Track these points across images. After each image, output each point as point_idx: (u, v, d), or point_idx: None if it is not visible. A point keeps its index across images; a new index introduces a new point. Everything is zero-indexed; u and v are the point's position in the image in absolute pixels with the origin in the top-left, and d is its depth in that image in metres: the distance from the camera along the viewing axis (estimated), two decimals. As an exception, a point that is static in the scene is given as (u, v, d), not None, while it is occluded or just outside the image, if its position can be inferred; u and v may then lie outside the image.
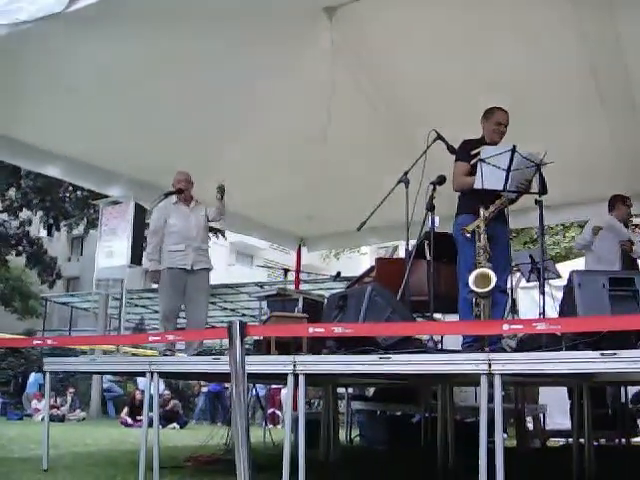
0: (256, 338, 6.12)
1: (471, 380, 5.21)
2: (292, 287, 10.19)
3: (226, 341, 3.52)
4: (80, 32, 5.31)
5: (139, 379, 16.04)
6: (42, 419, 10.45)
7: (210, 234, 7.47)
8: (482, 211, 5.06)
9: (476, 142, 5.47)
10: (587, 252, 7.46)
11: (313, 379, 5.06)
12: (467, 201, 5.45)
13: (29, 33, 4.80)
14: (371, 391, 9.60)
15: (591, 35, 5.78)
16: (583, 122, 6.80)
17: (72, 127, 6.80)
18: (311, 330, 4.29)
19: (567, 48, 6.00)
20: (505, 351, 4.59)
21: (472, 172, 5.26)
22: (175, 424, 14.45)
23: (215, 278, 7.09)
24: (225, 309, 21.69)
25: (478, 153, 5.15)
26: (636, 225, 10.27)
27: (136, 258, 8.44)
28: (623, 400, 7.80)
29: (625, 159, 7.36)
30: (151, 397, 5.51)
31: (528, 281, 8.58)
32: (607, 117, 6.75)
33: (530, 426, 9.02)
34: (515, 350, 4.76)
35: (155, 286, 7.10)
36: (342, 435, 8.69)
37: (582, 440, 5.90)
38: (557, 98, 6.58)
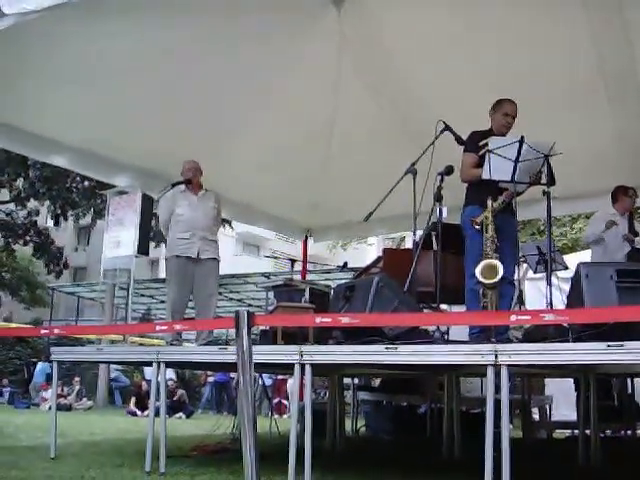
0: (263, 328, 6.14)
1: (478, 371, 5.22)
2: (299, 277, 10.19)
3: (234, 331, 3.52)
4: (87, 21, 5.30)
5: (146, 369, 16.10)
6: (49, 408, 10.50)
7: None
8: (490, 202, 5.06)
9: (484, 133, 5.47)
10: (594, 244, 7.44)
11: (319, 369, 5.07)
12: (475, 192, 5.45)
13: (35, 22, 4.78)
14: (377, 381, 9.61)
15: (598, 29, 5.75)
16: (589, 114, 6.76)
17: (79, 117, 6.79)
18: (318, 320, 4.30)
19: (573, 42, 5.96)
20: (512, 342, 4.59)
21: (480, 163, 5.26)
22: (181, 413, 14.52)
23: (222, 268, 7.09)
24: (232, 299, 21.71)
25: (486, 144, 5.15)
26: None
27: (143, 248, 8.44)
28: (629, 392, 7.79)
29: (631, 151, 7.33)
30: (158, 386, 5.52)
31: (535, 272, 8.55)
32: (614, 107, 6.71)
33: (536, 417, 9.03)
34: (521, 341, 4.76)
35: (162, 276, 7.10)
36: (348, 425, 8.70)
37: (588, 431, 5.90)
38: (562, 91, 6.55)
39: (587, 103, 6.65)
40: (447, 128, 5.50)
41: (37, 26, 4.98)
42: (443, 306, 6.49)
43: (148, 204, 8.45)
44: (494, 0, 5.78)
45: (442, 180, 5.31)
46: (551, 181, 5.14)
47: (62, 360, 6.71)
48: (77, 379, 17.13)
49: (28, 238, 23.75)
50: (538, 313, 3.81)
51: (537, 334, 4.60)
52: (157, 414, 5.44)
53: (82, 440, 7.73)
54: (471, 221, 5.17)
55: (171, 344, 6.41)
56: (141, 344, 10.68)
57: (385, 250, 7.40)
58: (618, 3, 5.48)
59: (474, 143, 5.42)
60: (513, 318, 3.75)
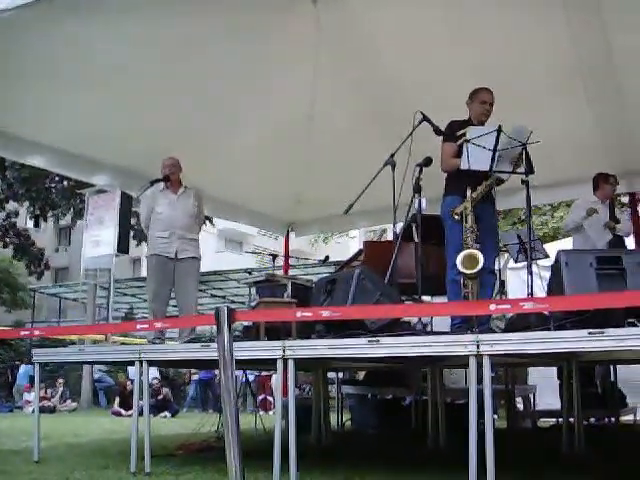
0: (246, 324, 6.11)
1: (461, 362, 5.22)
2: (281, 272, 10.17)
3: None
4: (61, 18, 5.25)
5: (130, 368, 16.02)
6: (33, 411, 10.45)
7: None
8: (469, 192, 5.06)
9: (463, 123, 5.46)
10: (575, 232, 7.46)
11: (303, 364, 5.06)
12: (454, 182, 5.44)
13: (10, 22, 4.74)
14: (361, 375, 9.62)
15: (576, 18, 5.77)
16: (568, 102, 6.80)
17: (55, 116, 6.72)
18: (298, 314, 4.27)
19: (552, 31, 5.99)
20: (494, 332, 4.59)
21: (460, 153, 5.26)
22: (166, 412, 14.45)
23: (204, 265, 7.06)
24: (214, 296, 21.65)
25: (464, 134, 5.14)
26: (623, 204, 10.29)
27: (123, 247, 8.38)
28: (612, 379, 7.84)
29: (611, 138, 7.38)
30: (141, 386, 5.49)
31: (516, 261, 8.58)
32: (592, 97, 6.74)
33: (520, 407, 9.06)
34: (504, 331, 4.77)
35: (144, 274, 7.06)
36: (333, 419, 8.70)
37: (572, 419, 5.93)
38: (542, 79, 6.58)
39: (567, 93, 6.68)
40: (425, 119, 5.48)
41: (10, 25, 4.93)
42: (425, 297, 6.49)
43: (127, 203, 8.39)
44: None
45: (421, 171, 5.29)
46: (530, 170, 5.15)
47: (44, 362, 6.65)
48: (60, 381, 17.04)
49: (8, 240, 23.55)
50: (518, 302, 3.81)
51: (520, 323, 4.60)
52: (141, 413, 5.41)
53: (66, 442, 7.68)
54: (450, 212, 5.17)
55: (153, 343, 6.36)
56: (123, 343, 10.63)
57: (366, 243, 7.40)
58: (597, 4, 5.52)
59: (453, 132, 5.42)
60: (493, 307, 3.74)
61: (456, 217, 5.10)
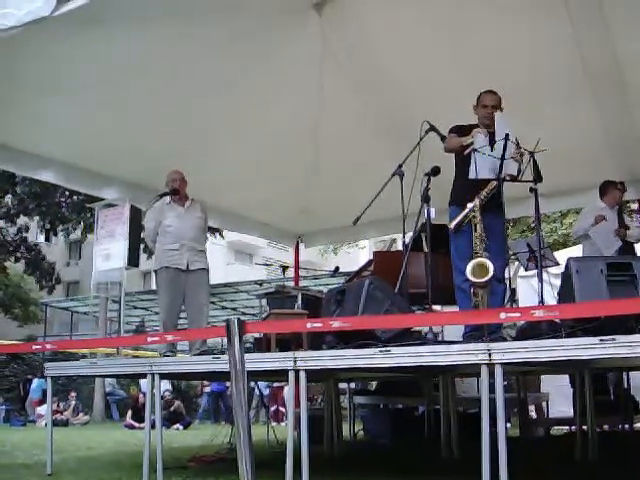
0: (257, 336, 6.12)
1: (472, 371, 5.21)
2: (291, 284, 10.18)
3: (227, 340, 3.51)
4: (69, 35, 5.28)
5: (142, 381, 16.03)
6: (45, 424, 10.47)
7: (208, 233, 7.48)
8: (476, 200, 5.03)
9: (467, 126, 5.42)
10: (584, 239, 7.45)
11: (314, 375, 5.06)
12: (457, 192, 5.43)
13: (17, 38, 4.77)
14: (374, 385, 9.59)
15: (579, 20, 5.76)
16: (575, 108, 6.79)
17: (64, 131, 6.78)
18: (309, 325, 4.28)
19: (555, 35, 5.98)
20: (505, 340, 4.58)
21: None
22: (178, 425, 14.45)
23: (214, 277, 7.06)
24: (225, 308, 21.68)
25: (471, 143, 5.13)
26: (632, 210, 10.27)
27: (133, 260, 8.38)
28: (625, 386, 7.80)
29: (618, 145, 7.36)
30: (153, 398, 5.50)
31: (527, 270, 8.56)
32: (599, 103, 6.73)
33: (533, 415, 9.03)
34: (515, 339, 4.76)
35: (154, 287, 7.06)
36: (346, 430, 8.68)
37: (585, 427, 5.90)
38: (549, 86, 6.57)
39: (573, 100, 6.67)
40: (432, 128, 5.49)
41: (19, 41, 4.97)
42: (435, 307, 6.49)
43: (137, 216, 8.40)
44: (478, 1, 5.79)
45: (429, 181, 5.29)
46: (538, 178, 5.14)
47: (56, 375, 6.67)
48: (73, 394, 17.07)
49: (19, 254, 23.65)
50: (528, 310, 3.81)
51: (531, 331, 4.59)
52: (154, 426, 5.42)
53: (79, 455, 7.70)
54: (448, 225, 5.19)
55: (165, 355, 6.37)
56: (135, 356, 10.65)
57: (376, 253, 7.39)
58: (599, 2, 5.51)
59: (456, 129, 5.41)
60: (503, 316, 3.74)
61: (453, 230, 5.11)
